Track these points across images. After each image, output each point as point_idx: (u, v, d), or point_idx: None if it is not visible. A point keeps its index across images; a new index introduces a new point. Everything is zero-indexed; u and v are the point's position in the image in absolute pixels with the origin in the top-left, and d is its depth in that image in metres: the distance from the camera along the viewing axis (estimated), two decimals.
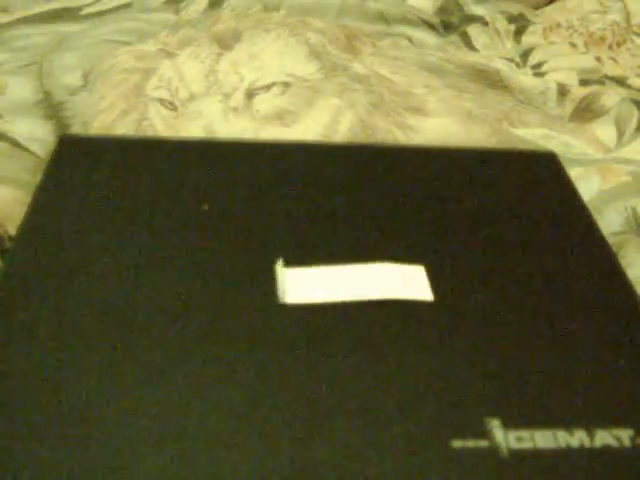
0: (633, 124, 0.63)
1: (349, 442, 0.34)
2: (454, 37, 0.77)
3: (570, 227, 0.48)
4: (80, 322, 0.38)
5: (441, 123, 0.60)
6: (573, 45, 0.77)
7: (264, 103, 0.59)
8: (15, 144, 0.54)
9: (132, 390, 0.35)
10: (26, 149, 0.54)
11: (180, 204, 0.47)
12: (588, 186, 0.55)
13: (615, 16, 0.82)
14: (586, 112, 0.65)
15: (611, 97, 0.66)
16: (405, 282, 0.42)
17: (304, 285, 0.41)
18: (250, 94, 0.60)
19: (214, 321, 0.39)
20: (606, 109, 0.64)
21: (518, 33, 0.79)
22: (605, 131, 0.62)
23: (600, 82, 0.69)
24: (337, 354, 0.38)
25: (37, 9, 0.77)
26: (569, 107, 0.65)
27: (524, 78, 0.69)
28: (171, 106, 0.59)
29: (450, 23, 0.80)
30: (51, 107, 0.59)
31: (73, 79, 0.63)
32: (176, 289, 0.41)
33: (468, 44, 0.76)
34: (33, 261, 0.41)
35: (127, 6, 0.79)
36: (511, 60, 0.74)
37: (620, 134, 0.62)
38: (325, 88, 0.61)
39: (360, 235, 0.46)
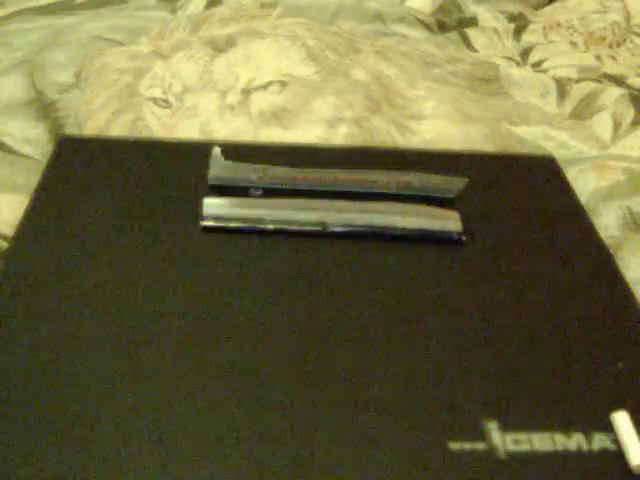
0: (629, 118, 0.63)
1: (347, 442, 0.33)
2: (452, 36, 0.77)
3: (568, 231, 0.48)
4: (79, 321, 0.38)
5: (439, 125, 0.59)
6: (573, 44, 0.77)
7: (261, 101, 0.59)
8: (7, 147, 0.54)
9: (132, 389, 0.35)
10: (18, 152, 0.54)
11: (178, 205, 0.47)
12: (584, 185, 0.55)
13: (615, 16, 0.82)
14: (584, 111, 0.64)
15: (609, 95, 0.66)
16: None
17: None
18: (247, 92, 0.60)
19: (211, 319, 0.39)
20: (604, 107, 0.64)
21: (518, 32, 0.79)
22: (602, 126, 0.62)
23: (598, 80, 0.68)
24: (336, 348, 0.38)
25: (32, 2, 0.77)
26: (568, 107, 0.65)
27: (524, 74, 0.69)
28: (165, 104, 0.58)
29: (447, 23, 0.80)
30: (44, 107, 0.59)
31: (65, 77, 0.62)
32: (174, 288, 0.41)
33: (468, 46, 0.76)
34: (32, 261, 0.41)
35: (122, 1, 0.79)
36: (511, 58, 0.73)
37: (616, 127, 0.62)
38: (323, 88, 0.61)
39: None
